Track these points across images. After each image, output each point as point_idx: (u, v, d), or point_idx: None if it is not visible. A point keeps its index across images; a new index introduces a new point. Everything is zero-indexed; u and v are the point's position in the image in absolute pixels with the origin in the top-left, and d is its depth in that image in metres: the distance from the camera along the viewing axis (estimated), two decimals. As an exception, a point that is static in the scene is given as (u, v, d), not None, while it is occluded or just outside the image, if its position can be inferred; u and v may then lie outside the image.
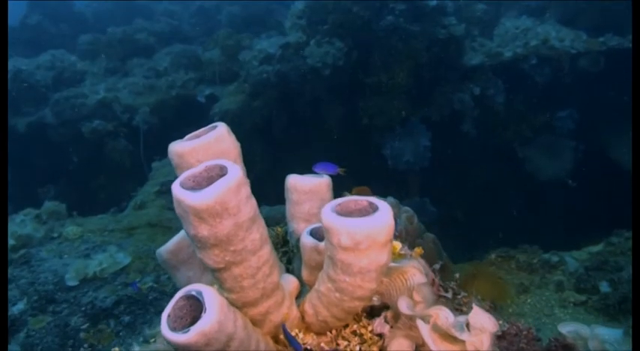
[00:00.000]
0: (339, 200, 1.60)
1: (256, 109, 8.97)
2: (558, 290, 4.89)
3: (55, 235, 5.21)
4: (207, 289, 1.49)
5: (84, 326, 3.88)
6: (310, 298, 1.79)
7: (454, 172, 8.96)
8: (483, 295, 4.90)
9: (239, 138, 1.90)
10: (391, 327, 1.86)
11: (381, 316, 1.85)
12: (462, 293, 2.52)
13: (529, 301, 4.84)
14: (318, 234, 1.89)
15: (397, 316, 1.84)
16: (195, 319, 1.44)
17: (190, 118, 9.50)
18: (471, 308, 2.24)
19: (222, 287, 1.61)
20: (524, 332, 2.38)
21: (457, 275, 2.70)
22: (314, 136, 8.95)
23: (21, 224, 5.18)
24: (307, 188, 2.01)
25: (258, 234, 1.55)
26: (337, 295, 1.65)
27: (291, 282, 1.86)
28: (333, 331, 1.80)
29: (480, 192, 8.71)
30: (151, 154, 8.92)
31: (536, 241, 5.84)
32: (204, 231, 1.43)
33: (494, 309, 2.51)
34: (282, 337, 1.77)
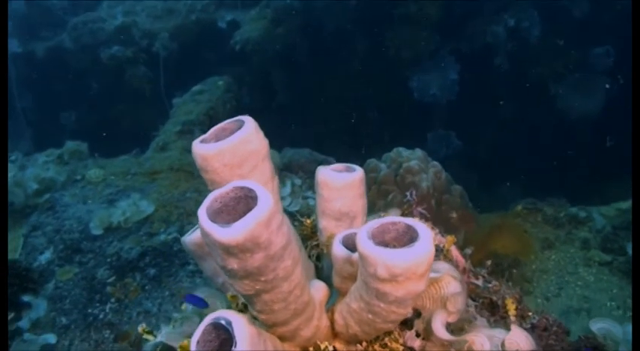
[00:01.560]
0: (376, 223, 1.49)
1: (279, 36, 8.60)
2: (584, 248, 4.82)
3: (78, 177, 5.21)
4: (237, 319, 1.43)
5: (110, 280, 3.96)
6: (341, 309, 1.73)
7: (482, 106, 8.67)
8: (508, 249, 4.87)
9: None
10: (423, 339, 1.81)
11: (413, 330, 1.79)
12: (493, 282, 2.45)
13: (553, 257, 4.79)
14: (350, 241, 1.80)
15: (429, 327, 1.78)
16: (223, 343, 1.40)
17: (211, 44, 9.22)
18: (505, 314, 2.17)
19: (251, 307, 1.55)
20: (554, 328, 2.33)
21: (489, 263, 2.63)
22: (338, 67, 8.65)
23: (43, 167, 5.18)
24: (339, 185, 1.89)
25: (290, 260, 1.45)
26: (370, 316, 1.58)
27: (320, 290, 1.79)
28: (364, 344, 1.75)
29: (508, 128, 8.48)
30: (172, 79, 8.75)
31: (564, 188, 5.70)
32: (233, 264, 1.35)
33: (521, 298, 2.44)
34: (311, 349, 1.74)
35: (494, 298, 2.40)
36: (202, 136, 1.73)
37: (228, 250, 1.30)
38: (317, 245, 2.10)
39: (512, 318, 2.38)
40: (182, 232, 4.45)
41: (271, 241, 1.34)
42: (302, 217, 2.32)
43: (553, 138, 8.28)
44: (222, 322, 1.43)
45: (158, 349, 2.37)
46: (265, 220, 1.28)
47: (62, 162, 5.45)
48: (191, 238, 2.12)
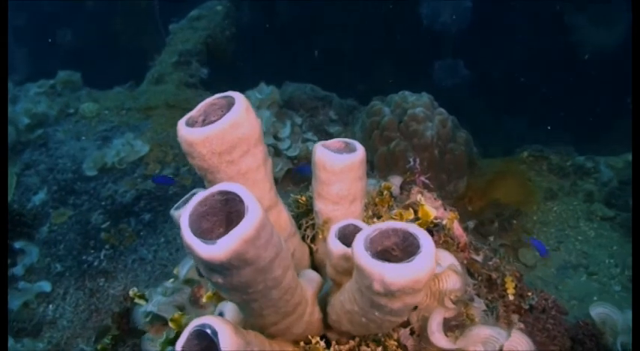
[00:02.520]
0: (375, 229, 1.37)
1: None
2: (587, 200, 4.73)
3: (71, 111, 5.03)
4: (223, 329, 1.34)
5: (104, 225, 3.89)
6: (334, 306, 1.65)
7: (494, 36, 8.29)
8: (510, 198, 4.79)
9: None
10: (417, 335, 1.75)
11: (407, 328, 1.72)
12: (494, 259, 2.36)
13: (555, 209, 4.72)
14: (347, 232, 1.69)
15: (425, 325, 1.72)
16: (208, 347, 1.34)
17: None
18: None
19: (240, 311, 1.47)
20: (553, 311, 2.27)
21: (491, 238, 2.54)
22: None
23: (35, 99, 4.98)
24: (338, 168, 1.74)
25: (280, 270, 1.35)
26: (364, 320, 1.50)
27: (313, 282, 1.71)
28: (356, 339, 1.69)
29: (519, 60, 8.16)
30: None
31: (572, 130, 5.52)
32: (217, 279, 1.25)
33: (521, 277, 2.37)
34: (302, 344, 1.68)
35: (494, 275, 2.33)
36: (189, 114, 1.55)
37: (211, 267, 1.19)
38: (312, 225, 1.99)
39: (511, 297, 2.33)
40: (177, 173, 4.35)
41: (259, 255, 1.23)
42: (295, 193, 2.20)
43: (565, 73, 7.99)
44: (208, 331, 1.35)
45: (149, 318, 2.35)
46: (252, 237, 1.16)
47: (55, 93, 5.25)
48: (178, 211, 2.01)
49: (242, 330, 1.39)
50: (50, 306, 3.51)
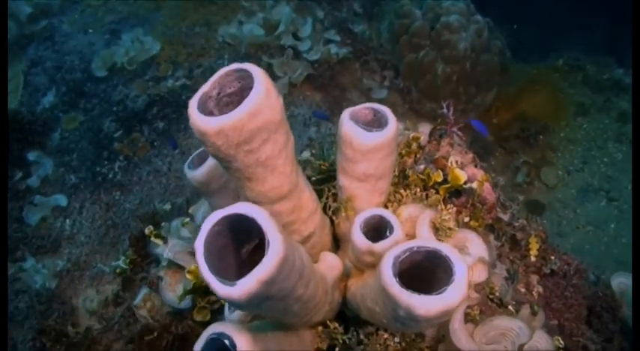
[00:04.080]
0: (406, 249, 1.25)
1: None
2: (619, 120, 4.47)
3: (77, -2, 4.64)
4: (239, 336, 1.30)
5: (117, 134, 3.76)
6: (355, 295, 1.60)
7: None
8: (539, 110, 4.56)
9: None
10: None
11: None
12: (520, 220, 2.26)
13: (585, 126, 4.49)
14: (372, 225, 1.58)
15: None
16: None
17: None
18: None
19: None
20: (574, 279, 2.22)
21: (520, 198, 2.40)
22: None
23: (37, -17, 4.58)
24: (366, 148, 1.58)
25: (302, 289, 1.28)
26: (384, 321, 1.47)
27: (334, 269, 1.63)
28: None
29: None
30: None
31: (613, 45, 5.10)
32: (238, 308, 1.18)
33: (546, 238, 2.29)
34: (320, 329, 1.66)
35: (519, 235, 2.25)
36: (202, 89, 1.36)
37: (232, 302, 1.12)
38: (335, 195, 1.87)
39: (533, 258, 2.27)
40: (190, 76, 4.12)
41: (281, 289, 1.15)
42: (315, 155, 2.04)
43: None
44: (226, 342, 1.31)
45: (166, 264, 2.34)
46: (273, 277, 1.07)
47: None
48: (194, 175, 1.89)
49: (259, 335, 1.35)
50: (67, 220, 3.54)
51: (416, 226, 1.70)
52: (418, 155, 2.27)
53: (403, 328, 1.41)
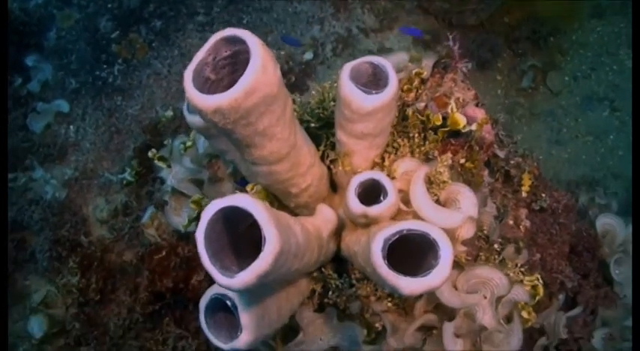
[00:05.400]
0: (396, 232, 1.33)
1: None
2: (638, 23, 4.24)
3: None
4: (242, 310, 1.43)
5: (114, 35, 3.61)
6: (348, 247, 1.71)
7: None
8: (552, 9, 4.34)
9: None
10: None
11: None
12: (516, 158, 2.30)
13: (599, 29, 4.28)
14: (367, 185, 1.62)
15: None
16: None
17: None
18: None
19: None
20: (560, 218, 2.31)
21: (519, 137, 2.40)
22: None
23: None
24: (365, 111, 1.59)
25: (297, 264, 1.37)
26: (373, 280, 1.60)
27: (329, 222, 1.72)
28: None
29: None
30: None
31: None
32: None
33: (540, 175, 2.33)
34: (315, 274, 1.79)
35: (513, 172, 2.32)
36: (197, 57, 1.35)
37: (231, 290, 1.22)
38: (333, 145, 1.89)
39: (524, 194, 2.36)
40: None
41: (279, 273, 1.25)
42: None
43: None
44: (228, 303, 1.44)
45: (170, 190, 2.43)
46: (270, 269, 1.16)
47: None
48: (194, 120, 1.89)
49: (257, 292, 1.48)
50: (71, 127, 3.54)
51: (410, 184, 1.75)
52: (420, 91, 2.25)
53: (391, 292, 1.53)
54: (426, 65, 2.29)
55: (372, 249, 1.30)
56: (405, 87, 2.21)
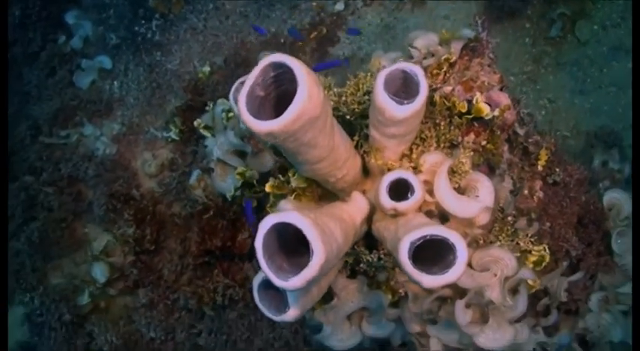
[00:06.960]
0: (421, 237, 1.56)
1: None
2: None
3: None
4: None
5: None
6: (378, 231, 1.95)
7: None
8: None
9: None
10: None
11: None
12: (535, 136, 2.46)
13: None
14: (396, 182, 1.83)
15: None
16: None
17: None
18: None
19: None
20: (571, 192, 2.51)
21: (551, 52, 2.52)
22: None
23: None
24: (397, 119, 1.78)
25: (336, 260, 1.63)
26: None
27: (361, 210, 1.97)
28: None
29: None
30: None
31: None
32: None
33: (556, 150, 2.49)
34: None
35: (531, 148, 2.49)
36: (248, 83, 1.52)
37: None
38: (366, 136, 2.08)
39: (540, 168, 2.55)
40: None
41: (324, 272, 1.51)
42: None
43: None
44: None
45: (215, 158, 2.66)
46: (315, 276, 1.42)
47: None
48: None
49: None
50: (115, 82, 3.71)
51: (435, 176, 1.97)
52: (447, 74, 2.39)
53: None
54: (455, 48, 2.41)
55: (399, 250, 1.54)
56: (434, 71, 2.35)
